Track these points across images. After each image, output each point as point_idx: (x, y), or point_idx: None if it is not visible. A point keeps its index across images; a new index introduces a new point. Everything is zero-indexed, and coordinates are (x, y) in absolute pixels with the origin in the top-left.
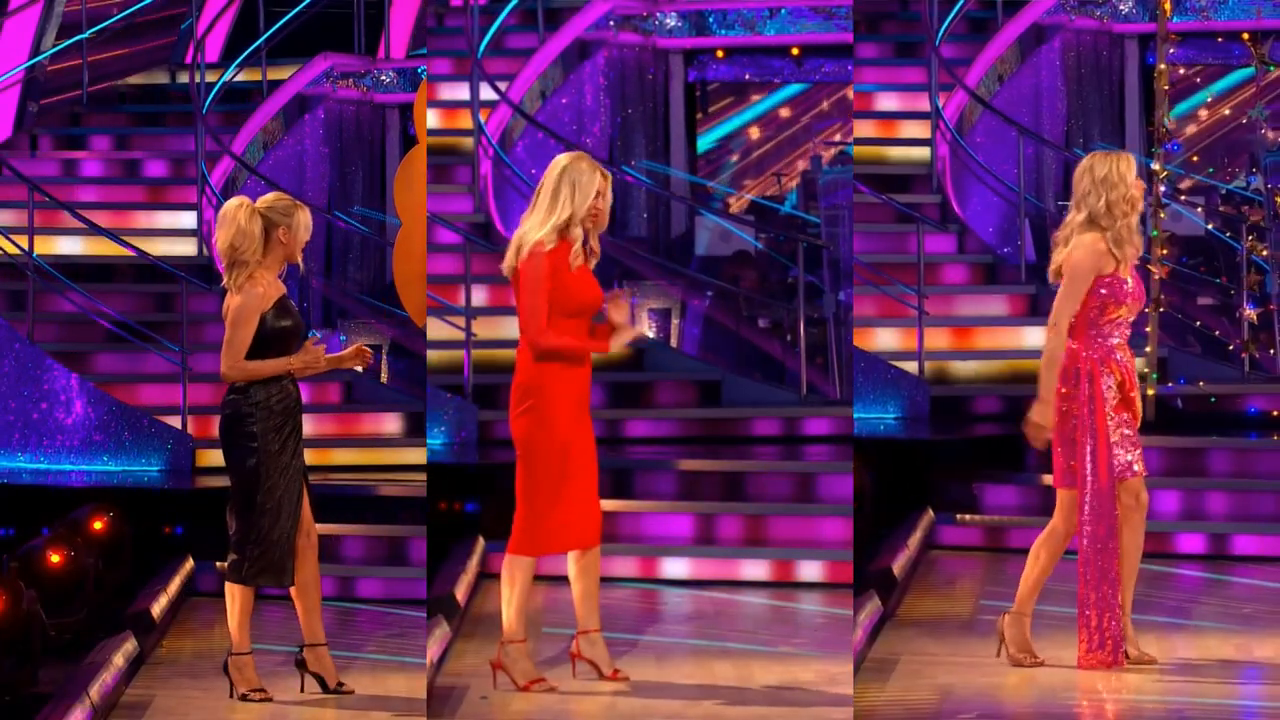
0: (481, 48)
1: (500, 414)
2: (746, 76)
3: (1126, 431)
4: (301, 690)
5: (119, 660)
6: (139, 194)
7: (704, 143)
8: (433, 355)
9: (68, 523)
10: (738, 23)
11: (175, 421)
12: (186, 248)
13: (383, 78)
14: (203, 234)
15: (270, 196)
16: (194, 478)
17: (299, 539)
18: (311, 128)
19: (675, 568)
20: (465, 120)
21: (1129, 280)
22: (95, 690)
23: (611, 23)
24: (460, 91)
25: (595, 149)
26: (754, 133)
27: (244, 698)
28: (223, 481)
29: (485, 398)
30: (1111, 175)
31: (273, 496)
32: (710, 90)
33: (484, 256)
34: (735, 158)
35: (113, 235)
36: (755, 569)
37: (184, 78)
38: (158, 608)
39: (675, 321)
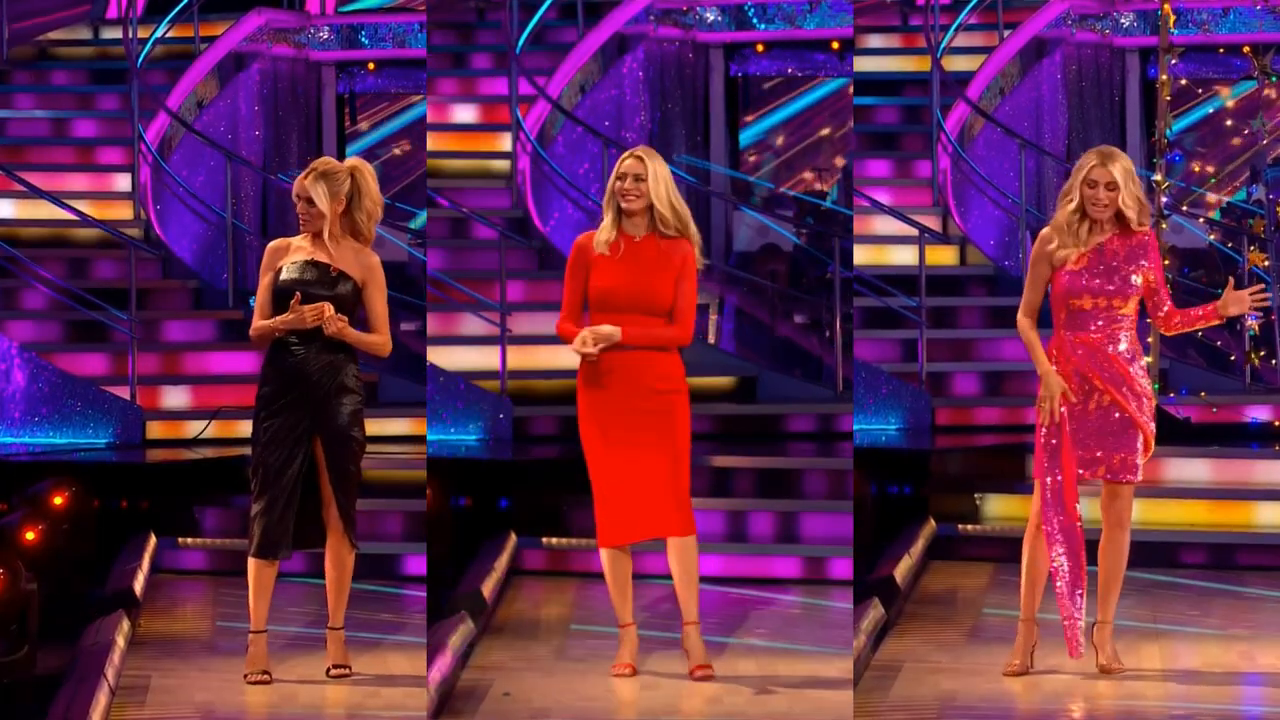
0: (520, 42)
1: (535, 410)
2: (789, 71)
3: (1079, 430)
4: (329, 671)
5: (120, 641)
6: (68, 155)
7: (745, 137)
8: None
9: (28, 498)
10: (778, 16)
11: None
12: (122, 212)
13: (319, 35)
14: (139, 197)
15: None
16: (144, 451)
17: (324, 515)
18: (246, 86)
19: (707, 564)
20: (504, 115)
21: (1085, 272)
22: (110, 672)
23: (651, 17)
24: (499, 86)
25: (634, 144)
26: (795, 127)
27: (245, 677)
28: (176, 455)
29: (519, 393)
30: (1077, 163)
31: (257, 466)
32: (751, 85)
33: (520, 252)
34: (776, 152)
35: (55, 199)
36: (787, 566)
37: (108, 33)
38: (139, 585)
39: (713, 317)
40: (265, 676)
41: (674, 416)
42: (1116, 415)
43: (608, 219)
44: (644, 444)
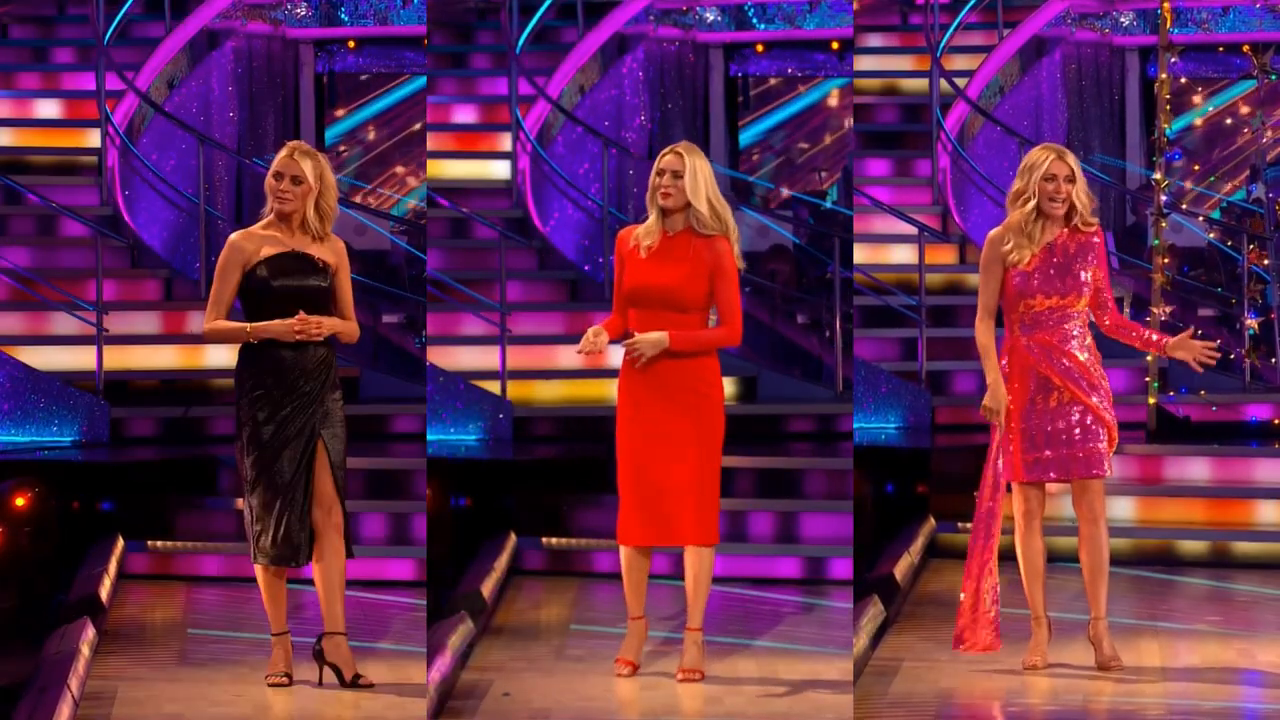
0: (520, 43)
1: (535, 410)
2: (789, 71)
3: (1047, 429)
4: (320, 683)
5: (85, 649)
6: (31, 138)
7: (746, 137)
8: None
9: None
10: (778, 16)
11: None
12: (89, 197)
13: (296, 11)
14: (107, 180)
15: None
16: (111, 449)
17: (316, 515)
18: (219, 65)
19: None
20: (503, 115)
21: (1036, 273)
22: (74, 682)
23: (651, 17)
24: (498, 86)
25: (634, 145)
26: (795, 127)
27: (266, 679)
28: (146, 454)
29: (519, 394)
30: (1025, 163)
31: (255, 472)
32: (752, 84)
33: (518, 251)
34: (776, 152)
35: (16, 185)
36: (787, 566)
37: (73, 8)
38: (105, 592)
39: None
40: (285, 679)
41: (708, 420)
42: (1077, 411)
43: (651, 216)
44: (675, 446)
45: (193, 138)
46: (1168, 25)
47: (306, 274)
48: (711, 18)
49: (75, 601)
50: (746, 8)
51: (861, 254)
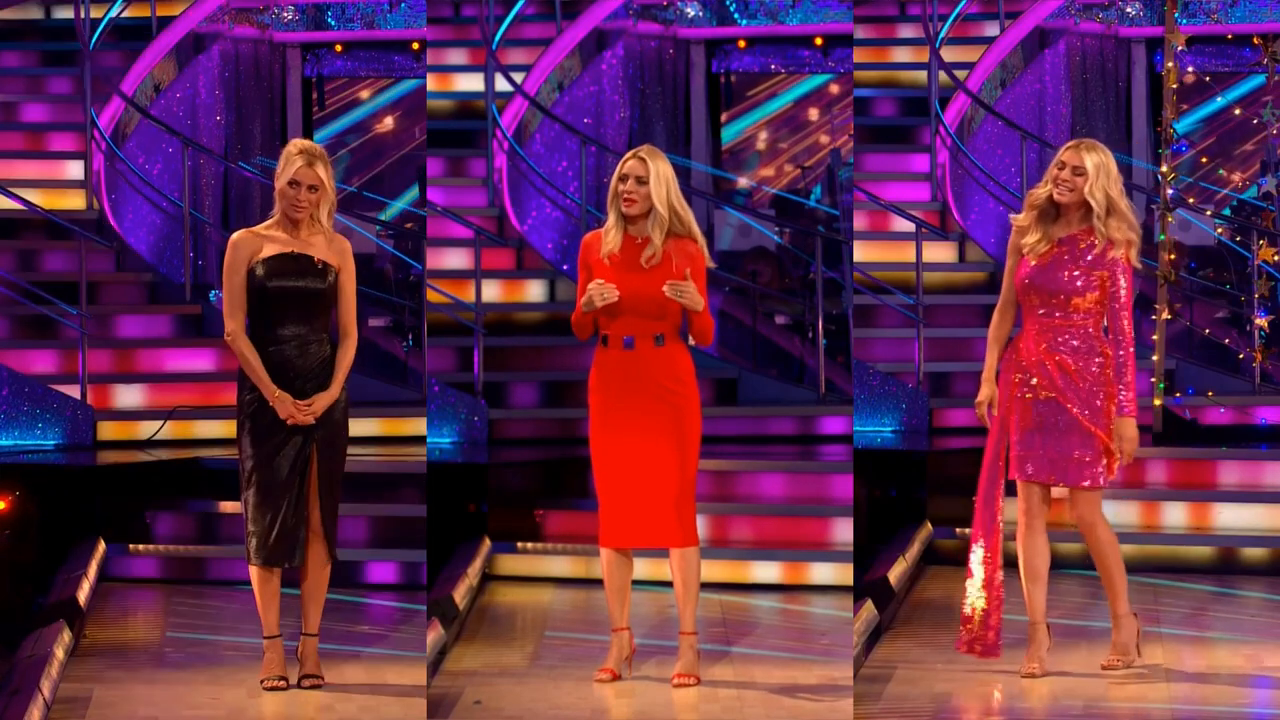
0: (497, 38)
1: (509, 413)
2: (771, 67)
3: (1043, 425)
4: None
5: (59, 652)
6: (17, 141)
7: (727, 134)
8: None
9: None
10: (760, 12)
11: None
12: (74, 200)
13: (283, 14)
14: (91, 186)
15: None
16: (95, 453)
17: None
18: (206, 68)
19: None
20: (481, 112)
21: (1045, 266)
22: (47, 685)
23: (631, 12)
24: (475, 83)
25: (614, 142)
26: (779, 125)
27: (261, 683)
28: (129, 456)
29: (495, 396)
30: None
31: (254, 471)
32: (735, 81)
33: (496, 251)
34: (759, 150)
35: (2, 188)
36: (766, 571)
37: (60, 12)
38: (83, 595)
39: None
40: (281, 682)
41: (684, 420)
42: (1063, 415)
43: (611, 221)
44: (652, 446)
45: (179, 141)
46: (1174, 9)
47: (304, 275)
48: (692, 13)
49: (53, 604)
50: (728, 3)
51: (859, 253)
